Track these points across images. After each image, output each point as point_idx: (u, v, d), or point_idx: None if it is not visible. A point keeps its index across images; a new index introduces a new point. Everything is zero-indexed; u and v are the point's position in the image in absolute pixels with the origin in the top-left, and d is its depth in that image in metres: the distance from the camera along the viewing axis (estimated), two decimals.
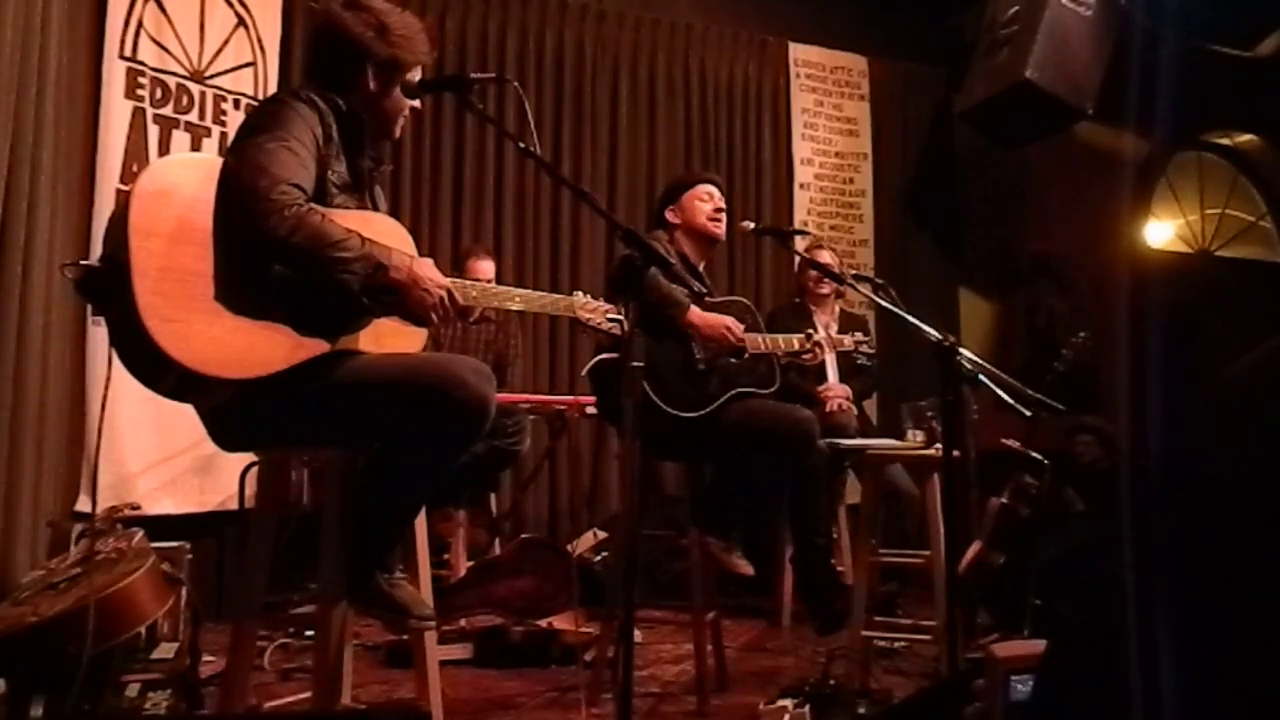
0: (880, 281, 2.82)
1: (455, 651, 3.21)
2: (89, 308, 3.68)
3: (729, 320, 2.83)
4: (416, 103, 2.13)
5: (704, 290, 2.80)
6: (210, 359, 1.75)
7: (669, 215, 3.08)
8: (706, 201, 3.06)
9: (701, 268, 3.11)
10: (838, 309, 4.34)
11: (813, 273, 4.14)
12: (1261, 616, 0.58)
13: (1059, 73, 4.76)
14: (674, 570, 4.26)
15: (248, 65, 4.44)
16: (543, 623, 3.30)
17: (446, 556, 3.90)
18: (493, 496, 4.32)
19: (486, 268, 4.41)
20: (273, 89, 4.42)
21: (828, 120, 6.04)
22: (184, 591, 2.67)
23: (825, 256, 4.21)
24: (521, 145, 2.00)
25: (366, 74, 2.04)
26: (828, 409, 3.96)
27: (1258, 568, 0.59)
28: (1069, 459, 4.11)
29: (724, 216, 3.08)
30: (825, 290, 4.24)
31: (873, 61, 6.18)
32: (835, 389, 4.08)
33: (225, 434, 1.95)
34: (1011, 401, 2.30)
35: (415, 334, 2.06)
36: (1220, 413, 0.66)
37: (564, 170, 5.11)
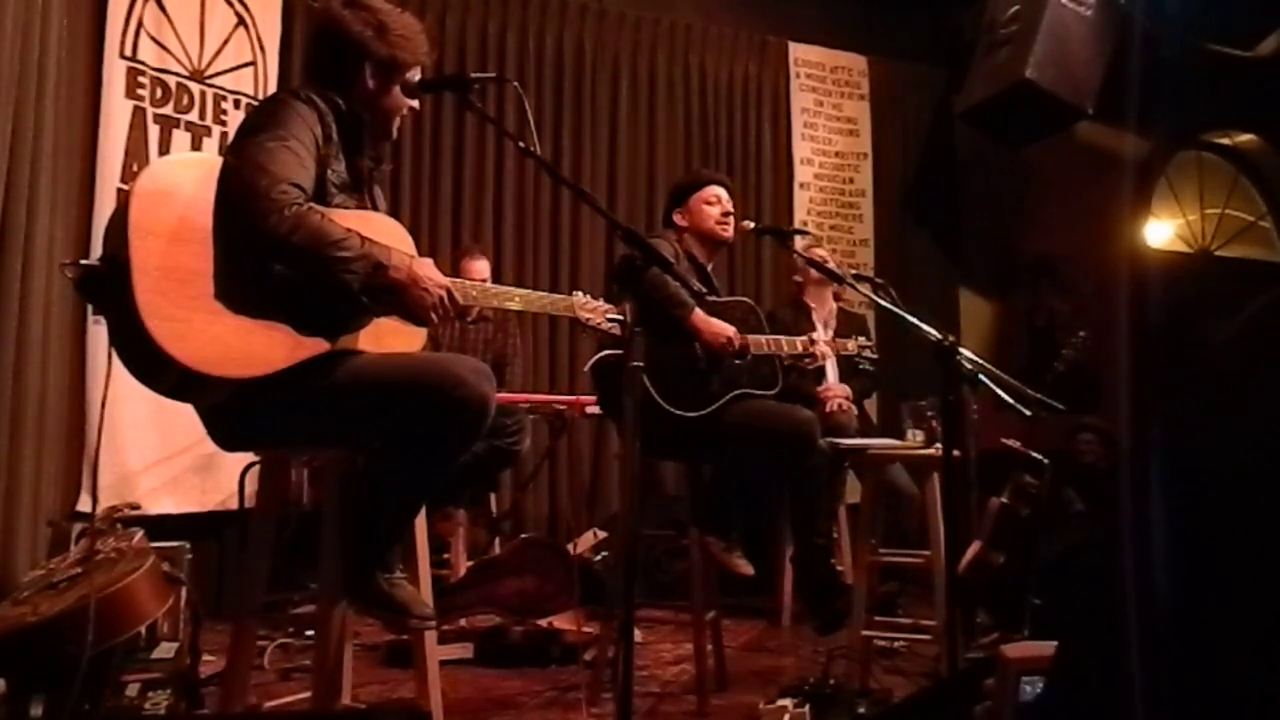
0: (880, 281, 2.81)
1: (455, 651, 3.21)
2: (89, 307, 3.68)
3: (731, 331, 2.83)
4: (415, 102, 2.13)
5: (704, 290, 2.80)
6: (210, 358, 1.75)
7: (677, 217, 3.09)
8: (714, 205, 3.06)
9: (710, 268, 3.11)
10: (836, 307, 4.34)
11: (807, 267, 4.13)
12: (1262, 606, 0.58)
13: (1059, 73, 4.76)
14: (674, 570, 4.26)
15: (248, 65, 4.44)
16: (543, 622, 3.30)
17: (446, 556, 3.90)
18: (493, 496, 4.32)
19: (481, 267, 4.41)
20: (273, 88, 4.42)
21: (828, 120, 6.04)
22: (184, 591, 2.67)
23: (818, 253, 4.22)
24: (521, 145, 2.00)
25: (365, 73, 2.04)
26: (828, 409, 3.96)
27: (1258, 556, 0.59)
28: (1069, 459, 4.11)
29: (732, 219, 3.08)
30: (817, 279, 4.21)
31: (873, 61, 6.18)
32: (835, 389, 4.08)
33: (225, 433, 1.95)
34: (1011, 401, 2.29)
35: (415, 333, 2.05)
36: (1211, 384, 0.66)
37: (564, 170, 5.11)
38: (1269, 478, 0.59)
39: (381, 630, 2.91)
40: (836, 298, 4.36)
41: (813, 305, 4.25)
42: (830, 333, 3.92)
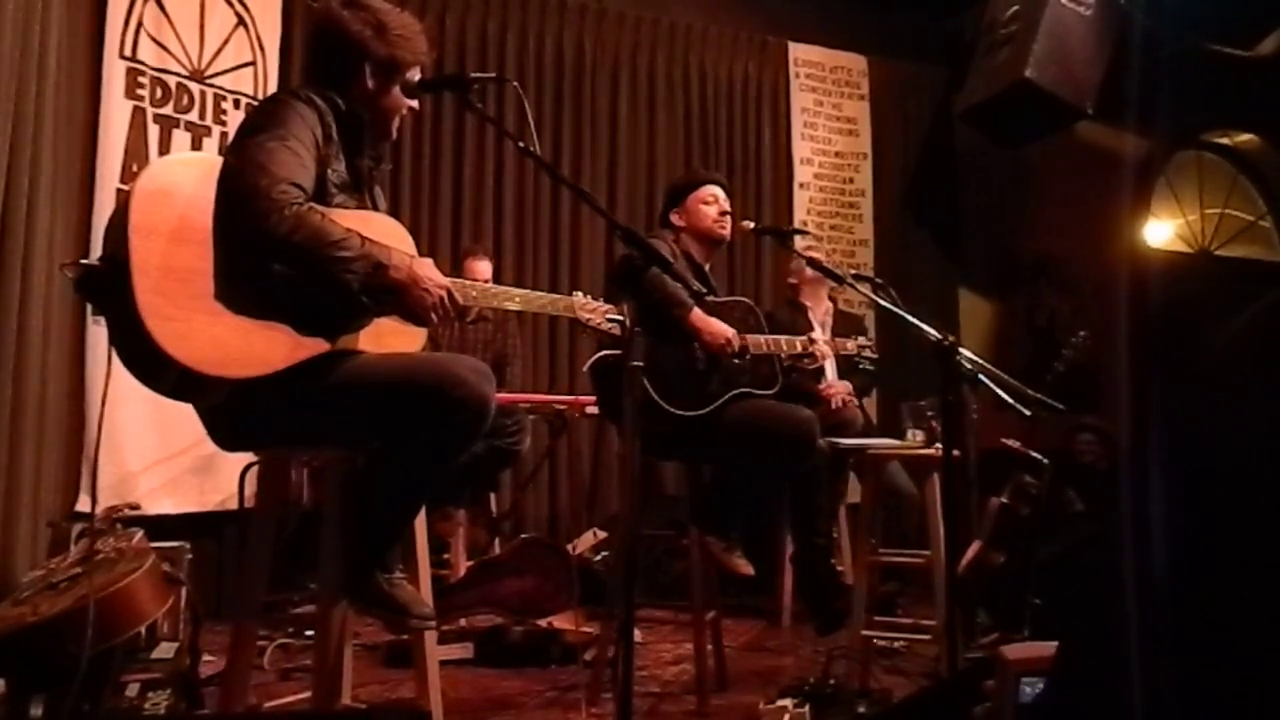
0: (880, 281, 2.81)
1: (455, 651, 3.21)
2: (89, 307, 3.68)
3: (730, 332, 2.82)
4: (414, 102, 2.13)
5: (703, 290, 2.80)
6: (210, 358, 1.75)
7: (674, 217, 3.08)
8: (712, 204, 3.05)
9: (708, 268, 3.11)
10: (832, 307, 4.34)
11: (802, 267, 4.13)
12: (1263, 607, 0.58)
13: (1059, 72, 4.76)
14: (674, 570, 4.26)
15: (248, 65, 4.44)
16: (543, 622, 3.30)
17: (446, 556, 3.90)
18: (493, 496, 4.32)
19: (484, 268, 4.42)
20: (273, 88, 4.42)
21: (828, 120, 6.04)
22: (184, 591, 2.67)
23: (813, 254, 4.22)
24: (521, 145, 2.00)
25: (365, 73, 2.04)
26: (832, 405, 3.96)
27: (1259, 556, 0.59)
28: (1069, 459, 4.11)
29: (729, 219, 3.08)
30: (813, 279, 4.21)
31: (873, 61, 6.18)
32: (836, 386, 4.08)
33: (225, 433, 1.95)
34: (1011, 401, 2.29)
35: (415, 333, 2.06)
36: (1212, 384, 0.66)
37: (564, 170, 5.11)
38: (1270, 478, 0.59)
39: (381, 630, 2.91)
40: (833, 298, 4.36)
41: (809, 305, 4.25)
42: (827, 333, 3.92)
